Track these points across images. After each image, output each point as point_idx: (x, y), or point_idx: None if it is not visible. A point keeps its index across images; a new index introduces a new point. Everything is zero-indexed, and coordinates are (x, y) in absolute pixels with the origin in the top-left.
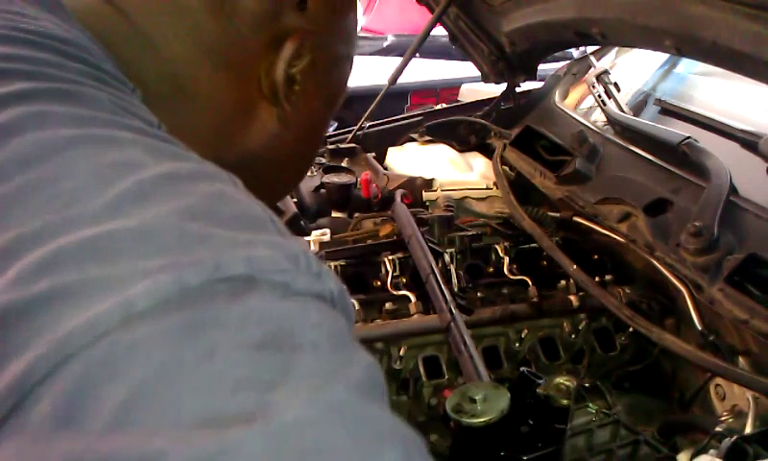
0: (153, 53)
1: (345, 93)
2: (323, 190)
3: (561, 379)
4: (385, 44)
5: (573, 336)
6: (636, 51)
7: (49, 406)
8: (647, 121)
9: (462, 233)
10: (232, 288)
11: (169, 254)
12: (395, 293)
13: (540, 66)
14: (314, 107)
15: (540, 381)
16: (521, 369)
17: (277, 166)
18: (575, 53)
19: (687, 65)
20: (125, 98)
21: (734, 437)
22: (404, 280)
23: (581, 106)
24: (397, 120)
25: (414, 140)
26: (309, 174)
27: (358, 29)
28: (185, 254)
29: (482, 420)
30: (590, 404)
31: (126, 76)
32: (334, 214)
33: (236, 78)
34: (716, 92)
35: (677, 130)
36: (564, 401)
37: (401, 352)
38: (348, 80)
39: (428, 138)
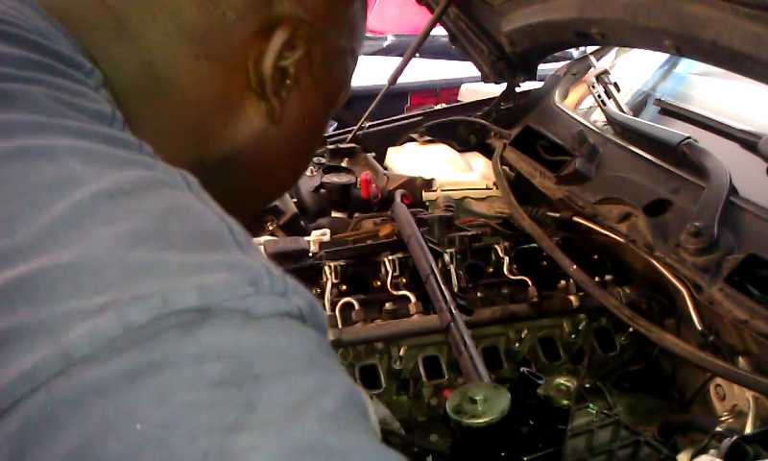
0: (127, 38)
1: (347, 91)
2: (323, 190)
3: (561, 380)
4: (385, 44)
5: (573, 336)
6: (635, 51)
7: None
8: (647, 121)
9: (462, 233)
10: (184, 322)
11: (109, 290)
12: (395, 293)
13: (540, 66)
14: (311, 102)
15: (541, 382)
16: (522, 369)
17: (268, 166)
18: (575, 53)
19: (687, 65)
20: (73, 88)
21: (734, 437)
22: (404, 280)
23: (581, 106)
24: (397, 120)
25: (414, 140)
26: (309, 174)
27: (365, 23)
28: (128, 289)
29: (483, 420)
30: (591, 405)
31: (96, 63)
32: (334, 214)
33: (220, 68)
34: (716, 92)
35: (677, 130)
36: (565, 402)
37: (401, 352)
38: (350, 76)
39: (428, 138)
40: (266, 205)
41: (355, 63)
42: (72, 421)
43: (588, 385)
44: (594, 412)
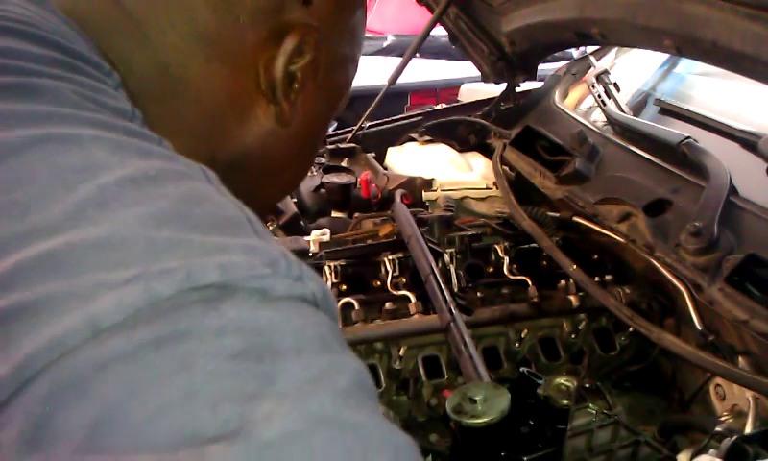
0: (143, 40)
1: (347, 95)
2: (323, 190)
3: (561, 380)
4: (385, 44)
5: (573, 336)
6: (635, 51)
7: (15, 429)
8: (647, 121)
9: (462, 233)
10: (206, 297)
11: (136, 264)
12: (395, 293)
13: (540, 66)
14: (314, 107)
15: (541, 382)
16: (521, 369)
17: (274, 166)
18: (575, 53)
19: (687, 65)
20: (95, 86)
21: (734, 437)
22: (404, 280)
23: (581, 106)
24: (397, 120)
25: (414, 140)
26: (309, 174)
27: (365, 30)
28: (154, 264)
29: (482, 420)
30: (591, 405)
31: (113, 64)
32: (334, 214)
33: (232, 71)
34: (716, 92)
35: (677, 130)
36: (565, 402)
37: (401, 352)
38: (351, 82)
39: (428, 138)
40: (271, 205)
41: (356, 70)
42: (98, 385)
43: (587, 385)
44: (594, 412)
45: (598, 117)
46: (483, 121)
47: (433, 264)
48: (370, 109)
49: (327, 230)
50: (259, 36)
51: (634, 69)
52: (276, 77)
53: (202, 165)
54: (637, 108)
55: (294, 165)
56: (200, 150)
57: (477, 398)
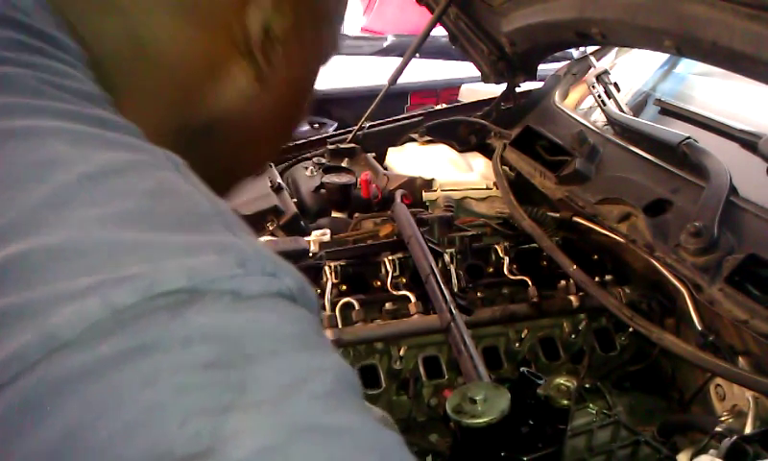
0: (111, 7)
1: (334, 51)
2: (323, 190)
3: (561, 380)
4: (385, 44)
5: (573, 336)
6: (636, 51)
7: None
8: (647, 121)
9: (462, 233)
10: (173, 304)
11: (96, 271)
12: (395, 293)
13: (540, 66)
14: (297, 65)
15: (541, 382)
16: (521, 369)
17: (255, 131)
18: (575, 53)
19: (687, 65)
20: (60, 69)
21: (734, 437)
22: (404, 281)
23: (581, 106)
24: (397, 120)
25: (414, 140)
26: (309, 174)
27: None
28: (115, 271)
29: (482, 420)
30: (591, 405)
31: (82, 38)
32: (334, 214)
33: (204, 29)
34: (716, 92)
35: (677, 130)
36: (565, 402)
37: (401, 352)
38: (337, 37)
39: (428, 138)
40: (255, 170)
41: (342, 24)
42: (58, 407)
43: (587, 385)
44: (594, 412)
45: (598, 117)
46: (483, 121)
47: (433, 264)
48: (370, 109)
49: (328, 231)
50: None
51: (634, 69)
52: (251, 32)
53: (168, 152)
54: (637, 108)
55: (276, 129)
56: (172, 115)
57: (477, 398)
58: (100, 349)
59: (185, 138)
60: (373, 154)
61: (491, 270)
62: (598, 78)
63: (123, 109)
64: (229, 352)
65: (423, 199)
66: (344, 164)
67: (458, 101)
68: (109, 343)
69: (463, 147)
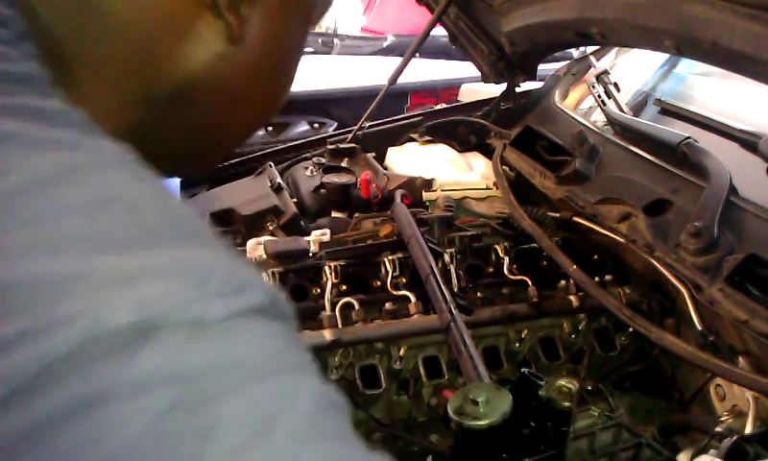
0: None
1: (326, 6)
2: (323, 190)
3: (563, 381)
4: (385, 44)
5: (573, 336)
6: (636, 51)
7: None
8: (647, 121)
9: (462, 233)
10: (121, 344)
11: (27, 313)
12: (395, 293)
13: (540, 66)
14: (278, 19)
15: (542, 383)
16: (522, 370)
17: (232, 96)
18: (575, 53)
19: (687, 65)
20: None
21: (734, 437)
22: (404, 280)
23: (581, 106)
24: (397, 120)
25: (414, 140)
26: (309, 174)
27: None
28: (50, 311)
29: (484, 422)
30: (593, 407)
31: (31, 8)
32: (334, 214)
33: None
34: (716, 92)
35: (677, 130)
36: (567, 404)
37: (401, 352)
38: None
39: (428, 138)
40: (239, 141)
41: None
42: None
43: (589, 387)
44: (596, 415)
45: (598, 117)
46: (483, 121)
47: (433, 264)
48: (370, 109)
49: (327, 231)
50: None
51: (634, 69)
52: None
53: (115, 145)
54: (637, 108)
55: (258, 94)
56: (133, 84)
57: (479, 399)
58: (39, 408)
59: (155, 108)
60: (373, 154)
61: (491, 270)
62: (598, 78)
63: (78, 83)
64: (192, 395)
65: (423, 199)
66: (344, 164)
67: (458, 101)
68: (51, 400)
69: (463, 147)
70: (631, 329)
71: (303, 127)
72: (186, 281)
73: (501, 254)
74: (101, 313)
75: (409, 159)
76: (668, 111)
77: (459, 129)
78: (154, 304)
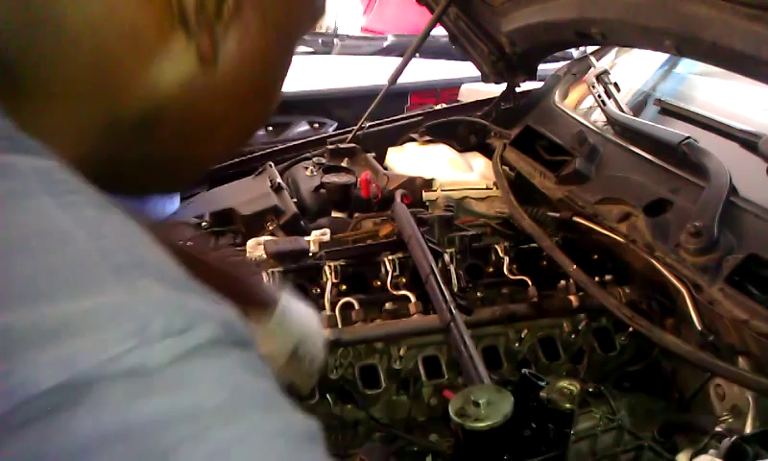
0: None
1: (318, 13)
2: (323, 190)
3: (564, 383)
4: (385, 44)
5: (573, 336)
6: (636, 51)
7: None
8: (647, 121)
9: (462, 233)
10: (49, 408)
11: None
12: (395, 293)
13: (540, 66)
14: (258, 40)
15: (543, 384)
16: (523, 371)
17: (204, 122)
18: (575, 53)
19: (687, 65)
20: None
21: (734, 437)
22: (404, 280)
23: (581, 106)
24: (397, 120)
25: (414, 140)
26: (309, 174)
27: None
28: None
29: (485, 424)
30: (594, 409)
31: None
32: (334, 214)
33: None
34: (716, 92)
35: (677, 130)
36: (568, 406)
37: (401, 352)
38: (319, 6)
39: (428, 138)
40: (213, 163)
41: None
42: None
43: (591, 389)
44: (598, 417)
45: (598, 117)
46: (483, 121)
47: (433, 264)
48: (370, 109)
49: (327, 230)
50: None
51: (634, 69)
52: (189, 3)
53: (42, 168)
54: (637, 108)
55: (235, 116)
56: (96, 108)
57: (480, 401)
58: None
59: (120, 134)
60: (373, 154)
61: (491, 270)
62: (598, 78)
63: (33, 107)
64: (139, 455)
65: (423, 199)
66: (344, 164)
67: (458, 101)
68: None
69: (463, 147)
70: (631, 329)
71: (303, 127)
72: (122, 328)
73: (501, 254)
74: (25, 376)
75: (409, 159)
76: (668, 111)
77: (459, 129)
78: (85, 359)
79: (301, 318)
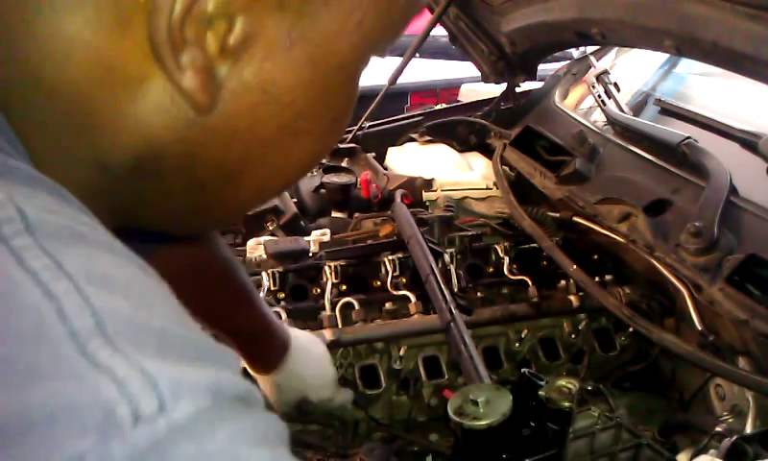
0: None
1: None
2: (323, 190)
3: (563, 382)
4: None
5: (573, 336)
6: (636, 51)
7: None
8: (647, 121)
9: (462, 233)
10: None
11: None
12: (395, 293)
13: (540, 66)
14: (291, 68)
15: (542, 383)
16: (523, 370)
17: (224, 168)
18: (575, 53)
19: (687, 65)
20: None
21: (734, 437)
22: (404, 280)
23: (581, 106)
24: (397, 120)
25: (414, 140)
26: (309, 174)
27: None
28: None
29: (484, 423)
30: (593, 407)
31: None
32: (334, 214)
33: (101, 30)
34: (716, 92)
35: (677, 130)
36: (567, 404)
37: (401, 352)
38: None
39: (428, 138)
40: (250, 208)
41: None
42: None
43: (590, 387)
44: (596, 415)
45: (598, 117)
46: (483, 121)
47: (433, 264)
48: (370, 109)
49: (327, 230)
50: None
51: (634, 69)
52: (158, 34)
53: (20, 200)
54: (637, 108)
55: (264, 161)
56: (82, 152)
57: (479, 400)
58: None
59: (115, 178)
60: (373, 154)
61: (491, 270)
62: (598, 78)
63: (35, 152)
64: None
65: (423, 199)
66: (344, 164)
67: (458, 101)
68: None
69: (463, 147)
70: (631, 329)
71: None
72: (81, 422)
73: (501, 254)
74: None
75: (409, 159)
76: (668, 111)
77: (459, 129)
78: None
79: (310, 366)
